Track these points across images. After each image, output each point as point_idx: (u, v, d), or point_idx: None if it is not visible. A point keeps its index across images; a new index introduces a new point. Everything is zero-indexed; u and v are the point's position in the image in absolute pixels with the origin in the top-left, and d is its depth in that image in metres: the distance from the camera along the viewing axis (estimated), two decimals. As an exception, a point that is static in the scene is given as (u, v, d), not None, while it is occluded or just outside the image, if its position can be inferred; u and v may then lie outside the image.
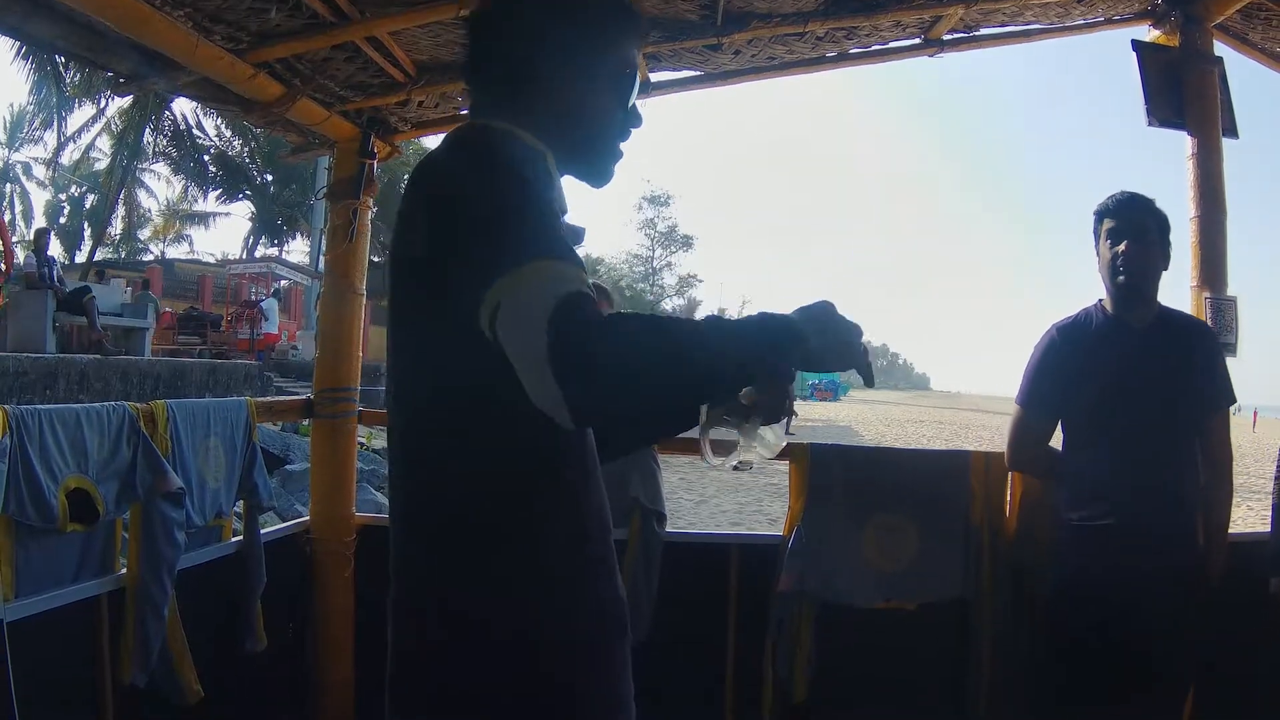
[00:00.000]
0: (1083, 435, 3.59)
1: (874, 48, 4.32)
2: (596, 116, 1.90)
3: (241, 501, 3.98)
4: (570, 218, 1.90)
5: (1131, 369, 3.42)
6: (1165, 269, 3.52)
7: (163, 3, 3.01)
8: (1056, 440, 3.70)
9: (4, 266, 19.36)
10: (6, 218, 45.32)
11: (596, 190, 2.00)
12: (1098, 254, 3.57)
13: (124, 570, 3.28)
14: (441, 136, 1.91)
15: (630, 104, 1.94)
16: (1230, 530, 3.62)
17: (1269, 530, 3.76)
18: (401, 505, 1.80)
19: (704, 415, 1.94)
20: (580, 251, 1.84)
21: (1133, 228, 3.46)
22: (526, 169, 1.68)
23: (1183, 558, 3.39)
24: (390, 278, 1.75)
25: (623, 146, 1.96)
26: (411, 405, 1.77)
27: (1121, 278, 3.45)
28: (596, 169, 1.96)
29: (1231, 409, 3.70)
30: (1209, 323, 3.91)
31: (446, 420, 1.70)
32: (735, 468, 1.96)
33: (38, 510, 2.88)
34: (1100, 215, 3.56)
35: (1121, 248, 3.44)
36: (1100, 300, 3.61)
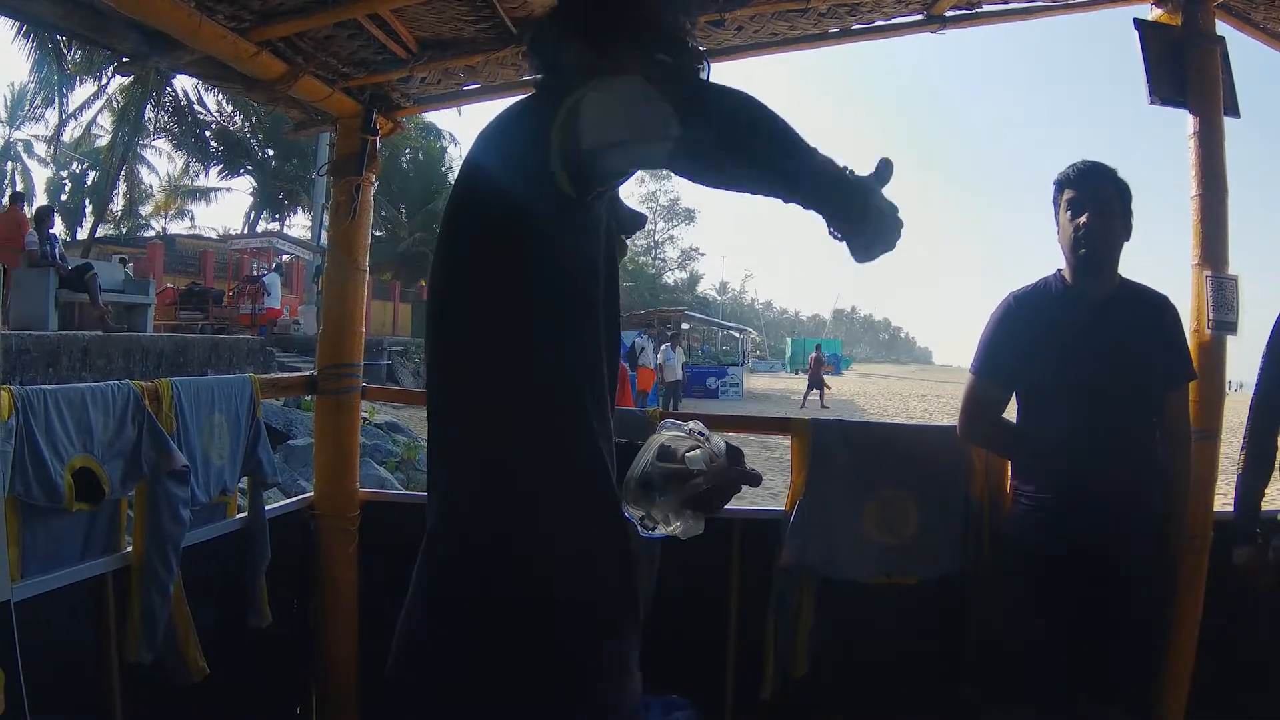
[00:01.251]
0: (1037, 407, 3.58)
1: (877, 24, 4.29)
2: None
3: (246, 478, 4.00)
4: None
5: (1088, 340, 3.39)
6: (1127, 240, 3.50)
7: (165, -18, 3.00)
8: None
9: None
10: (7, 196, 45.31)
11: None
12: (1057, 224, 3.54)
13: (129, 549, 3.29)
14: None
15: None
16: (1221, 509, 3.66)
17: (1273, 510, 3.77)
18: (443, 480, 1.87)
19: (646, 464, 1.96)
20: None
21: (1094, 198, 3.44)
22: None
23: (1138, 531, 3.39)
24: (440, 257, 1.85)
25: None
26: (456, 375, 1.82)
27: (1083, 250, 3.43)
28: None
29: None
30: (1210, 302, 3.90)
31: (493, 397, 1.75)
32: (640, 520, 1.98)
33: (44, 490, 2.90)
34: (1060, 185, 3.53)
35: (1083, 219, 3.42)
36: (1059, 270, 3.59)
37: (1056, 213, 3.55)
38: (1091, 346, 3.39)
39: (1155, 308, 3.55)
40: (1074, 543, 3.33)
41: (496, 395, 1.80)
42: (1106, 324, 3.42)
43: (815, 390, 40.13)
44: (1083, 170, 3.49)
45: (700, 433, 2.02)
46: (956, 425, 3.76)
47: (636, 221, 1.95)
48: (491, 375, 1.79)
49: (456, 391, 1.87)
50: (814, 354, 44.57)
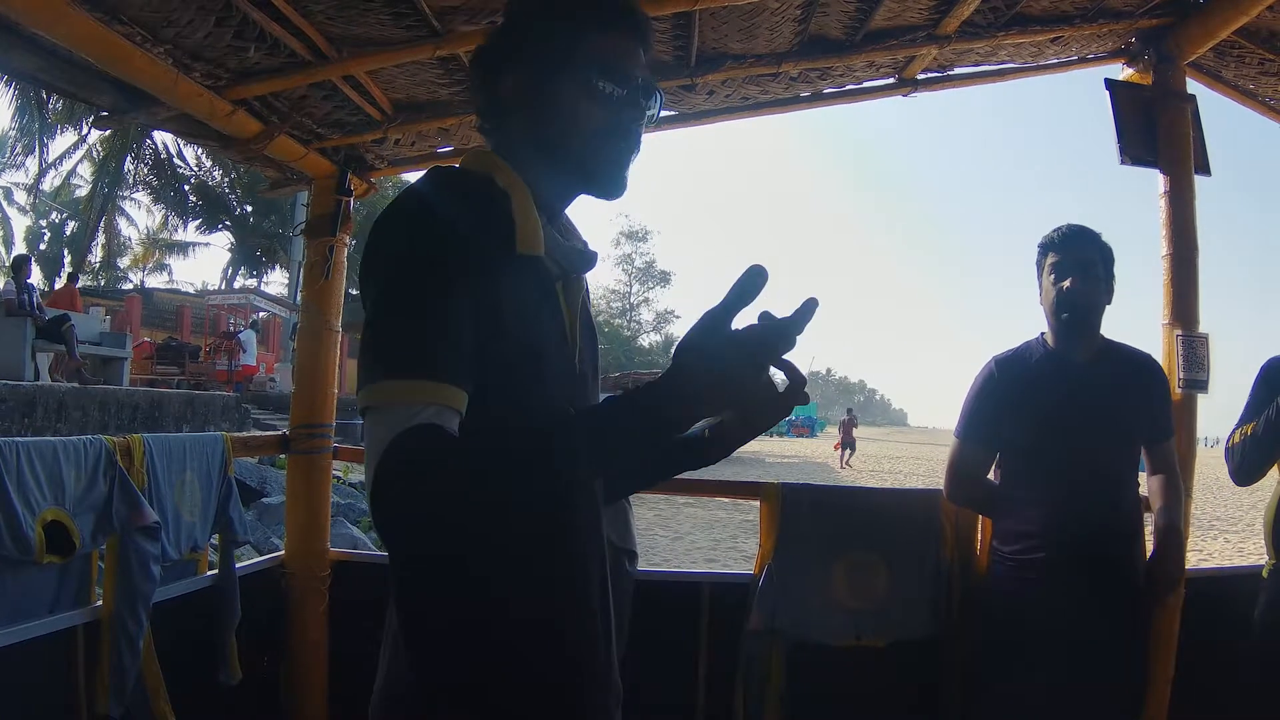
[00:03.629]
0: (1020, 469, 3.57)
1: (848, 88, 4.37)
2: (583, 124, 1.77)
3: (217, 535, 3.99)
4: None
5: (1071, 403, 3.40)
6: (1109, 303, 3.51)
7: (143, 39, 3.04)
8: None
9: None
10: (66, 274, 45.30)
11: (612, 202, 1.87)
12: (1040, 287, 3.55)
13: (100, 602, 3.29)
14: (418, 174, 1.88)
15: (617, 103, 1.78)
16: (1210, 565, 3.65)
17: (1256, 565, 3.76)
18: None
19: None
20: None
21: (1078, 262, 3.44)
22: (459, 226, 1.60)
23: (1120, 590, 3.37)
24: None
25: (630, 153, 1.83)
26: None
27: (1066, 314, 3.44)
28: (602, 181, 1.82)
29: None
30: (1181, 360, 3.93)
31: None
32: None
33: (14, 542, 2.90)
34: (1045, 248, 3.54)
35: (1067, 283, 3.42)
36: (1042, 333, 3.60)
37: (1040, 276, 3.56)
38: (1075, 408, 3.40)
39: (1138, 367, 3.56)
40: (1057, 600, 3.31)
41: None
42: (1089, 385, 3.43)
43: (848, 450, 40.53)
44: (1067, 234, 3.50)
45: None
46: (939, 488, 3.79)
47: (586, 261, 1.85)
48: None
49: None
50: (845, 418, 44.91)
